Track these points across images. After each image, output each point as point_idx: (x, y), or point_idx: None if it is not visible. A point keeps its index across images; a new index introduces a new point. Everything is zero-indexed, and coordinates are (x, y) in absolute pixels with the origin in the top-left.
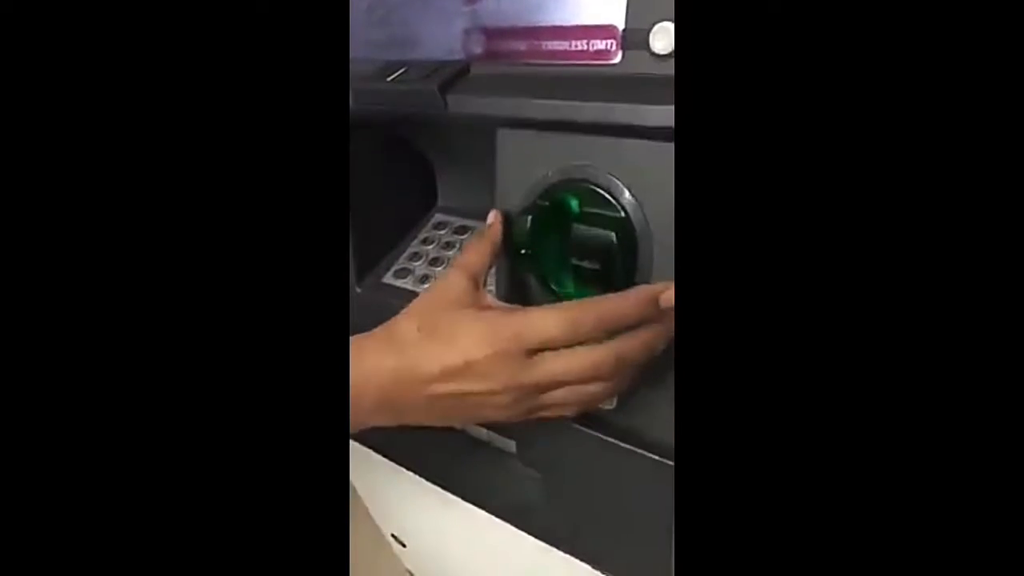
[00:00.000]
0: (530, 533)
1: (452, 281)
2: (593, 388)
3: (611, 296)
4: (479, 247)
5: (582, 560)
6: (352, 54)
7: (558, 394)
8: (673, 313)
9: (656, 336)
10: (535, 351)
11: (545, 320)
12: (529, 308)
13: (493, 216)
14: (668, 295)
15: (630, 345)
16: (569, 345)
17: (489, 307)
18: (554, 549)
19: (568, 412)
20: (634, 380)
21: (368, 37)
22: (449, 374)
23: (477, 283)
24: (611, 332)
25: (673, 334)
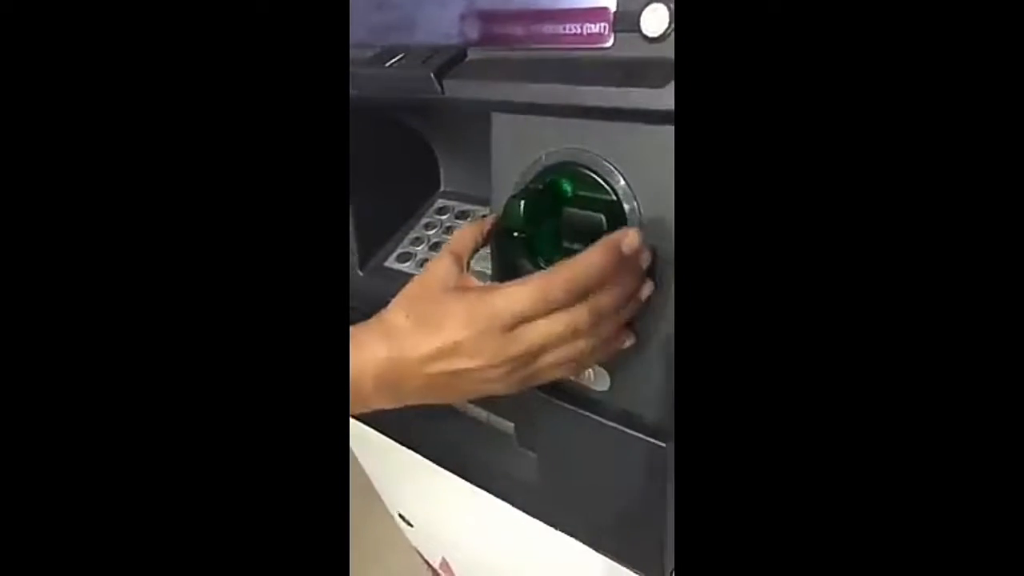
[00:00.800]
0: (527, 513)
1: (437, 265)
2: (581, 345)
3: (576, 257)
4: (468, 229)
5: (578, 539)
6: (353, 39)
7: (547, 358)
8: (640, 258)
9: (629, 284)
10: (514, 325)
11: (516, 295)
12: (502, 285)
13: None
14: (629, 240)
15: (605, 298)
16: (546, 313)
17: (469, 287)
18: (552, 528)
19: (565, 372)
20: (622, 336)
21: (368, 22)
22: (439, 355)
23: (461, 264)
24: (585, 292)
25: (647, 280)
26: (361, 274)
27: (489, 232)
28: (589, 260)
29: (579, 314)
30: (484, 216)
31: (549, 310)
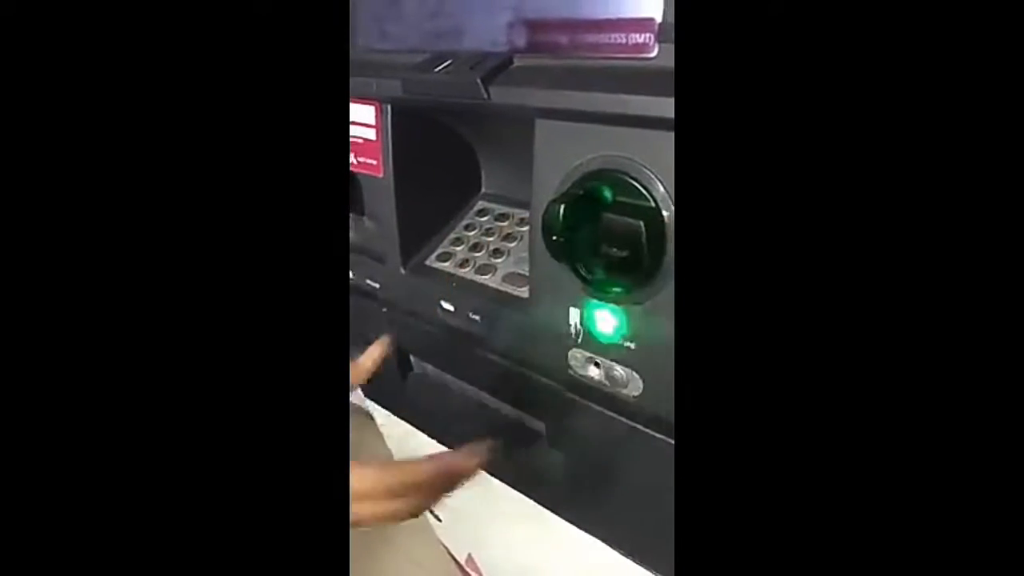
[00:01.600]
0: (555, 513)
1: None
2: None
3: (419, 462)
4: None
5: (605, 543)
6: (405, 44)
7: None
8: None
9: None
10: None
11: (357, 475)
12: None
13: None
14: (468, 469)
15: (431, 494)
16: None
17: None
18: (579, 530)
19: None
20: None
21: (420, 28)
22: None
23: None
24: (414, 490)
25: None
26: (403, 272)
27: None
28: (428, 471)
29: (404, 504)
30: (522, 219)
31: (378, 495)
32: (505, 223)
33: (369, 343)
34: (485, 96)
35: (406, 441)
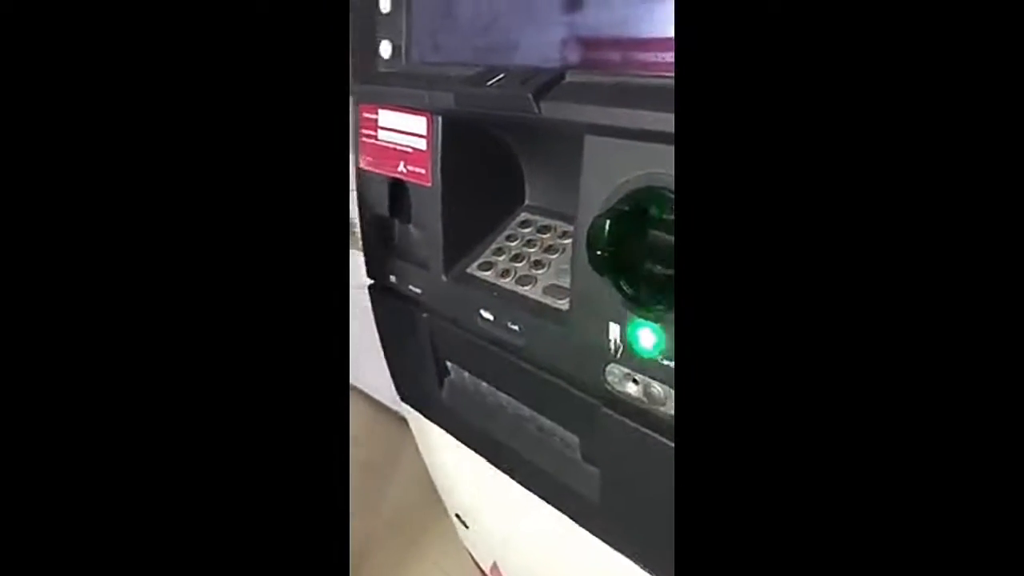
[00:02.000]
0: (585, 528)
1: None
2: None
3: None
4: None
5: (635, 562)
6: (458, 58)
7: None
8: None
9: None
10: None
11: None
12: None
13: None
14: None
15: None
16: None
17: None
18: (609, 547)
19: None
20: None
21: (473, 43)
22: None
23: None
24: None
25: None
26: (445, 279)
27: None
28: None
29: None
30: (564, 232)
31: None
32: (547, 235)
33: (409, 347)
34: (536, 111)
35: (440, 447)
